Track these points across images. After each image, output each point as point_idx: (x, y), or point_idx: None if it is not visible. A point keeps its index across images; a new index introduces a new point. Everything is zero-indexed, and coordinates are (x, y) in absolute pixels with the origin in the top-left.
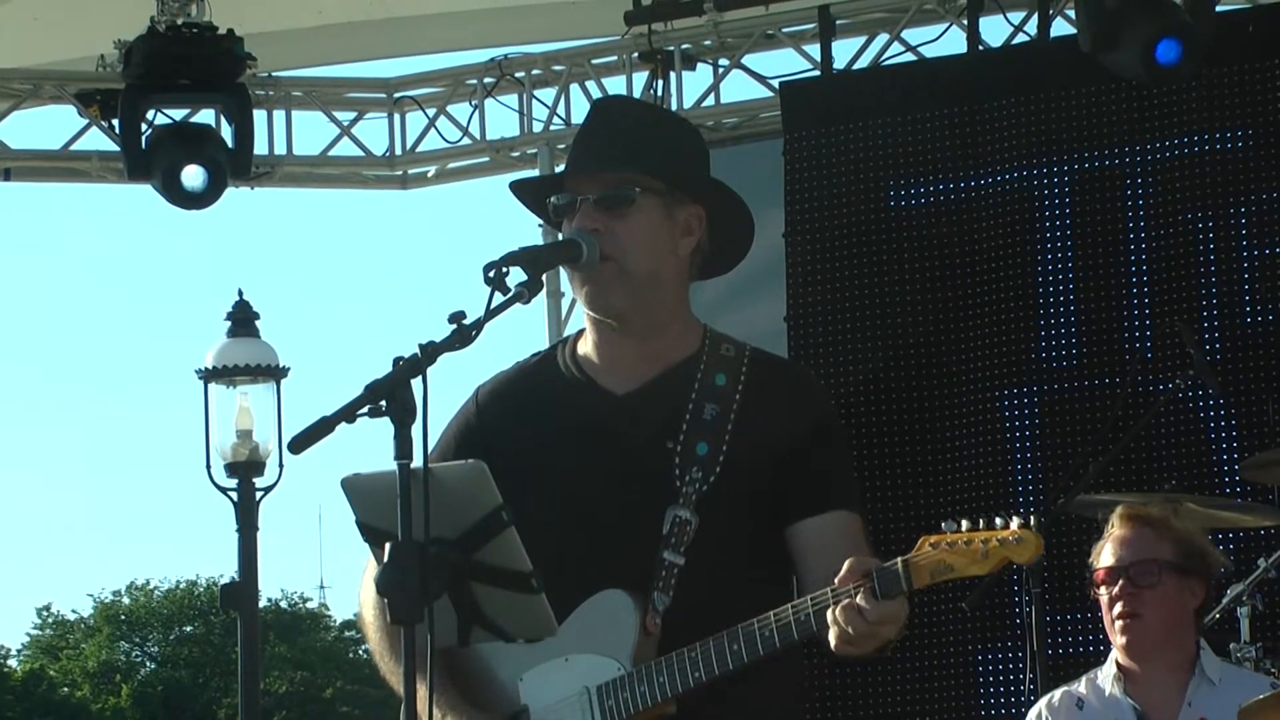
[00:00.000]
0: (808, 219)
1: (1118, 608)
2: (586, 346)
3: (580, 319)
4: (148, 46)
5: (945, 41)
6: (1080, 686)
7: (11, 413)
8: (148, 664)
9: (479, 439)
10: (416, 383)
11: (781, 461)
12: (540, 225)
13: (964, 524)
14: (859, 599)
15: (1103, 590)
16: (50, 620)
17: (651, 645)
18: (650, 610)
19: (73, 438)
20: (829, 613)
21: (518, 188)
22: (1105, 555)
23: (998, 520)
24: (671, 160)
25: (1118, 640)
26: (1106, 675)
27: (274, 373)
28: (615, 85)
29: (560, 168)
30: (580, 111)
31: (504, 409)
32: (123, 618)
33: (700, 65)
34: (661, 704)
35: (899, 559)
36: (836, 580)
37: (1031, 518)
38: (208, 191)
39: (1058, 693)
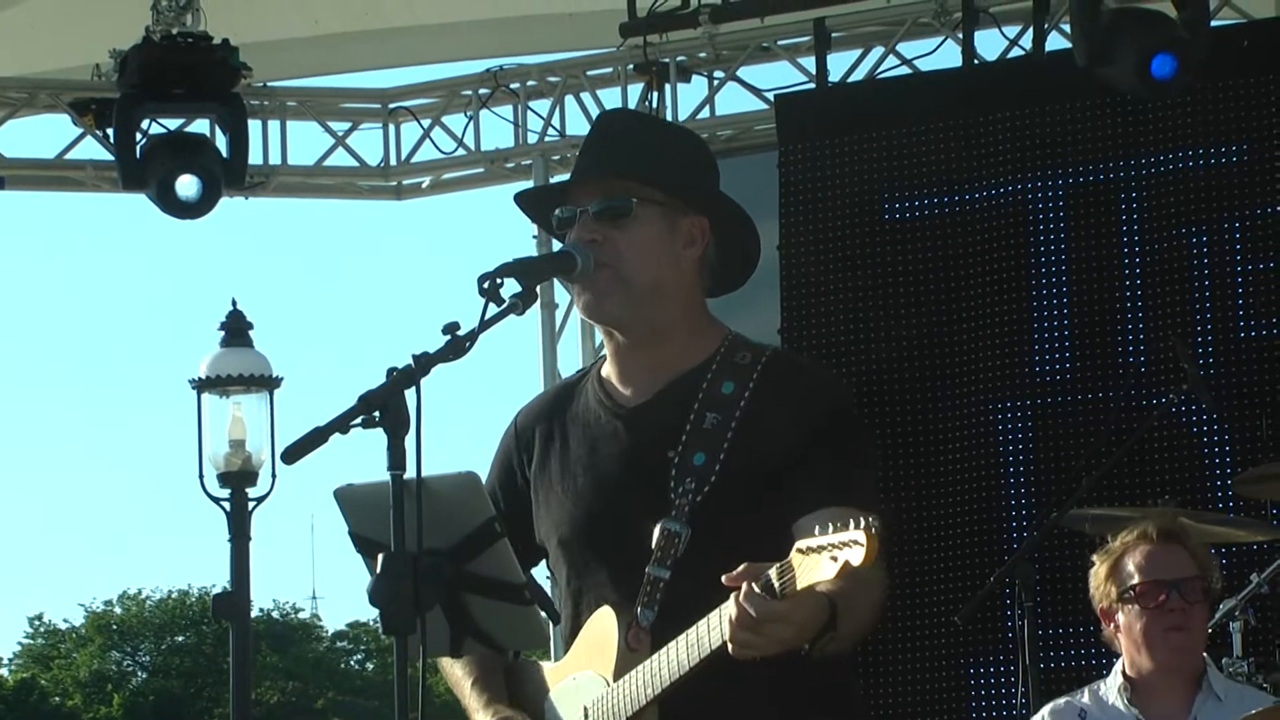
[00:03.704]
0: (802, 231)
1: (1167, 621)
2: (607, 363)
3: (572, 331)
4: (143, 56)
5: (940, 55)
6: (1083, 697)
7: (3, 421)
8: (139, 673)
9: (516, 463)
10: (410, 393)
11: (782, 466)
12: (534, 236)
13: (830, 528)
14: (742, 597)
15: (1137, 604)
16: (42, 629)
17: (637, 660)
18: (634, 626)
19: (65, 446)
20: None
21: (521, 200)
22: (1142, 569)
23: (852, 523)
24: (671, 170)
25: (1157, 654)
26: (1111, 686)
27: (267, 383)
28: (610, 97)
29: (555, 179)
30: (575, 123)
31: (535, 430)
32: (114, 627)
33: (695, 77)
34: (637, 714)
35: (774, 565)
36: (724, 579)
37: (875, 521)
38: (202, 201)
39: (1061, 701)
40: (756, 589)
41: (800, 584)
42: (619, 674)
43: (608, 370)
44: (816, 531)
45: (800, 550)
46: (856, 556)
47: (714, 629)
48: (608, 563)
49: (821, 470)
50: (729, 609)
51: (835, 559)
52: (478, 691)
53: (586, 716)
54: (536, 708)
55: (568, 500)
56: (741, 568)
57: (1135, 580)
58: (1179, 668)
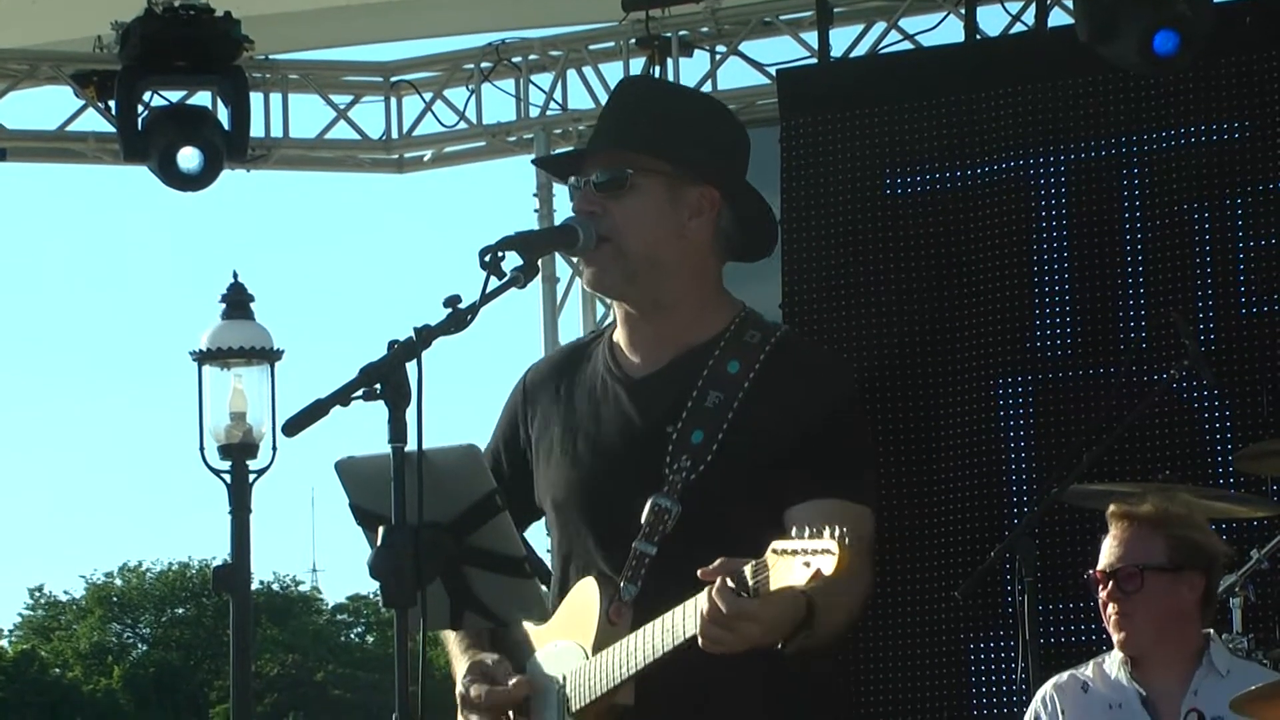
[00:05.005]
0: (804, 206)
1: (1109, 610)
2: (618, 328)
3: (574, 304)
4: (145, 28)
5: (943, 30)
6: (1087, 670)
7: (4, 394)
8: (139, 645)
9: (522, 421)
10: (411, 366)
11: (780, 452)
12: (536, 210)
13: (806, 530)
14: (714, 592)
15: (1099, 590)
16: (42, 601)
17: (617, 635)
18: (616, 600)
19: (66, 419)
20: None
21: (543, 164)
22: (1100, 557)
23: (825, 530)
24: (674, 139)
25: (1114, 639)
26: (1114, 660)
27: (268, 355)
28: (612, 71)
29: (556, 151)
30: (577, 97)
31: (543, 390)
32: (115, 599)
33: (697, 52)
34: (611, 691)
35: (750, 563)
36: (700, 573)
37: (847, 534)
38: (204, 173)
39: (1064, 675)
40: (730, 585)
41: (773, 586)
42: (598, 647)
43: (619, 336)
44: (793, 533)
45: (775, 551)
46: (828, 566)
47: (688, 617)
48: (597, 531)
49: (818, 460)
50: (702, 602)
51: (808, 565)
52: (459, 636)
53: (564, 684)
54: (519, 666)
55: (565, 463)
56: (717, 562)
57: (1095, 568)
58: (1133, 651)
